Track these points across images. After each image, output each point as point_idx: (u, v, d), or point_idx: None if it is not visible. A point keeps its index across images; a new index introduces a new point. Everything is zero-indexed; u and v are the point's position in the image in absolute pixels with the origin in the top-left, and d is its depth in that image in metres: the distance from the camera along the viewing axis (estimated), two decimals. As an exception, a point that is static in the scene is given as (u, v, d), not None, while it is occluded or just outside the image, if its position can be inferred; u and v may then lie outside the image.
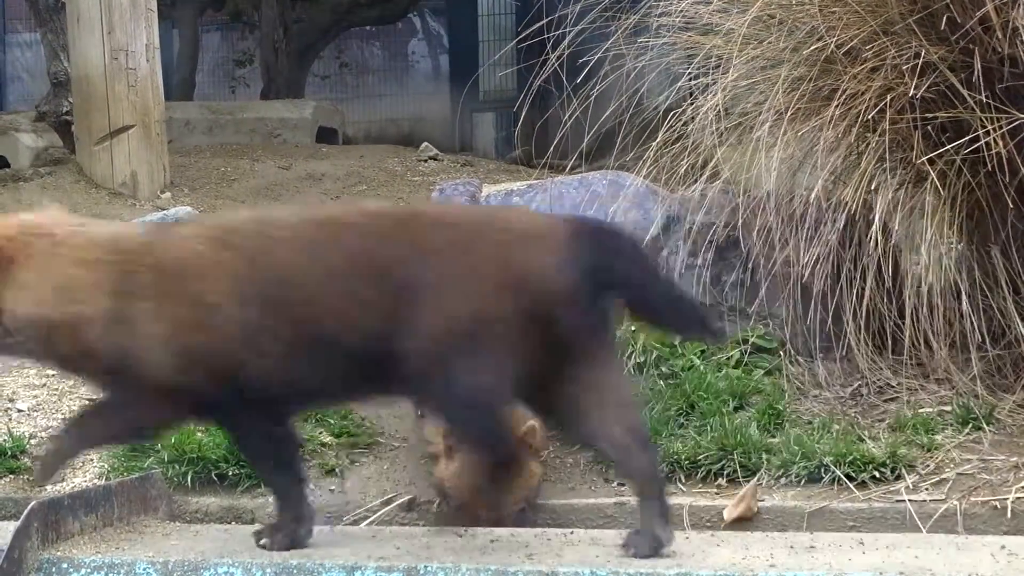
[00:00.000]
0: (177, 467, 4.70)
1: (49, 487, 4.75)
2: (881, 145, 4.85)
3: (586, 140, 5.65)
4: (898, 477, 4.39)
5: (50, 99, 9.65)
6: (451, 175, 10.10)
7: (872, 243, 4.81)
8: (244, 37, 18.12)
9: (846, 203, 4.91)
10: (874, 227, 4.80)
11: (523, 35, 5.84)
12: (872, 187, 4.86)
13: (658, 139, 5.34)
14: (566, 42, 5.53)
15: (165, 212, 7.99)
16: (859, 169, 4.92)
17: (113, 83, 8.70)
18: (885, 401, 4.90)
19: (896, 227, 5.02)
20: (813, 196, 5.01)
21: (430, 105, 18.71)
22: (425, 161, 11.00)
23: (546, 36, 5.65)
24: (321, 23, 16.60)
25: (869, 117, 4.78)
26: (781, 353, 5.09)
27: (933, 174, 4.72)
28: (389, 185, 9.86)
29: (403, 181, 10.06)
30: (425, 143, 11.71)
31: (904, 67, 4.73)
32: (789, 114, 5.01)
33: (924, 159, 4.75)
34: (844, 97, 4.86)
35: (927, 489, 4.33)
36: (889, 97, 4.76)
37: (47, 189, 8.63)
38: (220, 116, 13.22)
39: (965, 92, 4.67)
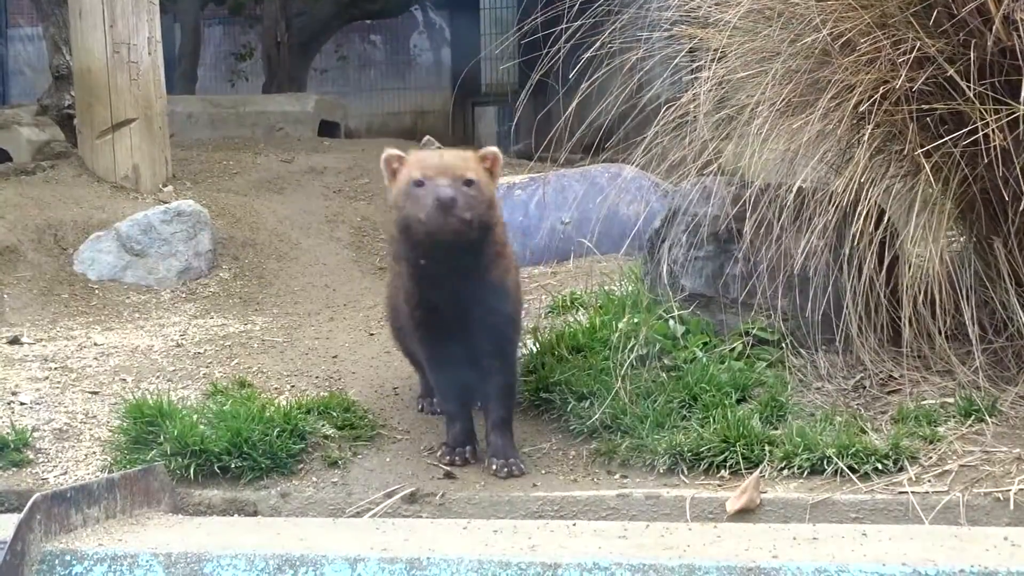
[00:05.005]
0: (180, 460, 4.71)
1: (52, 480, 4.76)
2: (875, 137, 4.85)
3: (587, 133, 5.64)
4: (901, 469, 4.39)
5: (52, 93, 9.66)
6: (453, 168, 10.09)
7: (866, 235, 4.82)
8: (245, 31, 18.12)
9: (840, 195, 4.91)
10: (862, 218, 4.80)
11: (524, 28, 5.83)
12: (862, 179, 4.85)
13: (655, 130, 5.33)
14: (566, 36, 5.52)
15: (167, 205, 8.02)
16: (852, 161, 4.92)
17: (115, 76, 8.70)
18: (888, 393, 4.90)
19: (890, 218, 5.02)
20: (810, 188, 5.02)
21: (432, 99, 18.73)
22: (427, 154, 10.99)
23: (548, 30, 5.64)
24: (323, 17, 16.60)
25: (862, 109, 4.77)
26: (783, 345, 5.09)
27: (927, 166, 4.72)
28: (391, 178, 9.85)
29: (405, 174, 10.04)
30: (427, 136, 11.71)
31: (900, 59, 4.73)
32: (785, 106, 5.01)
33: (920, 151, 4.75)
34: (838, 89, 4.86)
35: (930, 481, 4.33)
36: (883, 89, 4.76)
37: (49, 183, 8.65)
38: (222, 110, 13.22)
39: (964, 84, 4.67)
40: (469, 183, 4.45)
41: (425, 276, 4.64)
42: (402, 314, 4.92)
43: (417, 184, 4.45)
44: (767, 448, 4.56)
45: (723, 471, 4.55)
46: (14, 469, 4.85)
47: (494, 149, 4.70)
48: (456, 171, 4.46)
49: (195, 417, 4.92)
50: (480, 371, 4.76)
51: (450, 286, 4.64)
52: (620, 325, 5.25)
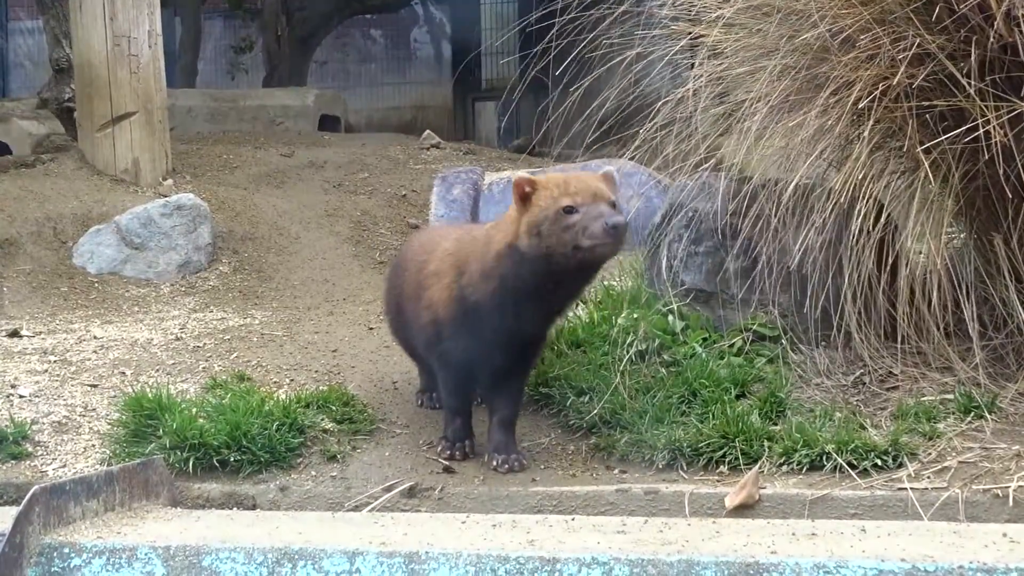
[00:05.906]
0: (179, 453, 4.71)
1: (50, 472, 4.76)
2: (875, 133, 4.85)
3: (586, 128, 5.64)
4: (900, 465, 4.39)
5: (52, 86, 9.65)
6: (453, 163, 10.10)
7: (865, 231, 4.81)
8: (246, 25, 18.11)
9: (840, 191, 4.90)
10: (861, 214, 4.80)
11: (525, 23, 5.82)
12: (861, 175, 4.84)
13: (654, 125, 5.33)
14: (566, 31, 5.52)
15: (167, 199, 8.01)
16: (851, 157, 4.91)
17: (115, 70, 8.70)
18: (887, 389, 4.90)
19: (890, 214, 5.02)
20: (809, 184, 5.01)
21: (432, 93, 18.71)
22: (427, 149, 11.00)
23: (548, 24, 5.64)
24: (323, 11, 16.58)
25: (862, 106, 4.77)
26: (783, 341, 5.09)
27: (926, 163, 4.71)
28: (391, 173, 9.86)
29: (405, 169, 10.06)
30: (427, 131, 11.71)
31: (899, 56, 4.72)
32: (782, 102, 5.01)
33: (920, 148, 4.74)
34: (837, 85, 4.85)
35: (929, 477, 4.33)
36: (883, 86, 4.75)
37: (49, 176, 8.64)
38: (222, 103, 13.23)
39: (964, 81, 4.66)
40: (613, 205, 4.44)
41: (538, 301, 4.60)
42: (427, 327, 4.81)
43: (568, 211, 4.40)
44: (766, 444, 4.56)
45: (722, 467, 4.55)
46: (13, 462, 4.85)
47: (611, 169, 4.66)
48: (605, 195, 4.43)
49: (194, 411, 4.92)
50: (496, 375, 4.75)
51: (549, 315, 4.72)
52: (619, 320, 5.26)
